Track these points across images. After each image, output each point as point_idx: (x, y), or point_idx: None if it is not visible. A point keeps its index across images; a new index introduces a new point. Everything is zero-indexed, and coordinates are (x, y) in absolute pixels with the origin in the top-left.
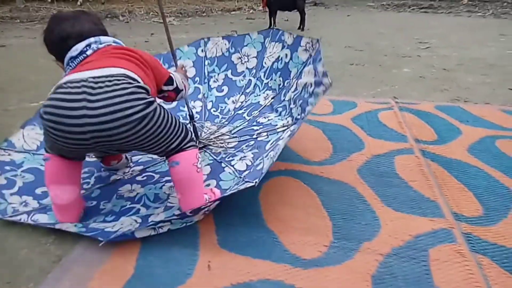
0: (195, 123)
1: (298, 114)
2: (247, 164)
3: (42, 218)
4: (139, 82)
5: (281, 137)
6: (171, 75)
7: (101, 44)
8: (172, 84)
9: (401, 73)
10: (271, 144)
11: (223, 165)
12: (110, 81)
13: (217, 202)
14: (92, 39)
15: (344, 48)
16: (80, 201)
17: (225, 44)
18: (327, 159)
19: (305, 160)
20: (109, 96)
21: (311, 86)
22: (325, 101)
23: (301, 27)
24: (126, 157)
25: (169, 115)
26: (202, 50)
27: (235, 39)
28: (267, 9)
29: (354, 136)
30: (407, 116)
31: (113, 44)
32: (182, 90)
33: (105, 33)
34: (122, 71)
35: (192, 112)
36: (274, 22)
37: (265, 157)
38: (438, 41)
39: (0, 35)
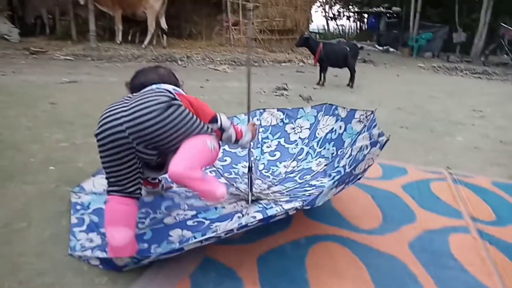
0: (252, 175)
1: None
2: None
3: (101, 254)
4: (172, 94)
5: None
6: (216, 115)
7: (158, 88)
8: (216, 123)
9: (454, 141)
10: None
11: (272, 205)
12: (146, 91)
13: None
14: (154, 86)
15: (393, 109)
16: (134, 245)
17: (280, 115)
18: (376, 228)
19: (354, 226)
20: (142, 96)
21: (366, 148)
22: (375, 164)
23: (351, 84)
24: (162, 187)
25: (191, 114)
26: (257, 119)
27: (289, 111)
28: (318, 65)
29: (405, 205)
30: (462, 190)
31: (169, 90)
32: (227, 130)
33: (171, 82)
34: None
35: (251, 164)
36: (324, 78)
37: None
38: (494, 110)
39: (73, 71)
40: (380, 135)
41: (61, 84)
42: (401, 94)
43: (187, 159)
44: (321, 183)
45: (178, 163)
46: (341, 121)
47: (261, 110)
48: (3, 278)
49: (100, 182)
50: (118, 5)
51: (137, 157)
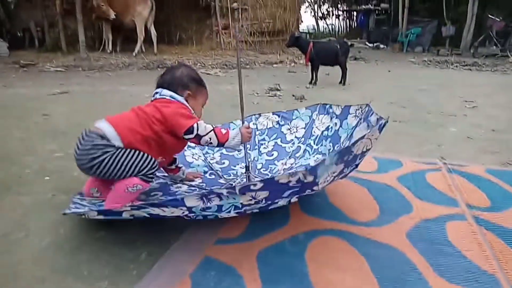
0: (250, 174)
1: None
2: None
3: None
4: (108, 140)
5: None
6: (192, 127)
7: (160, 95)
8: (192, 133)
9: (447, 132)
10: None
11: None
12: (88, 136)
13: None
14: (158, 90)
15: (386, 104)
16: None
17: (275, 118)
18: (374, 220)
19: (351, 220)
20: (84, 147)
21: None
22: (370, 158)
23: (343, 81)
24: (183, 172)
25: (120, 160)
26: (253, 123)
27: (284, 113)
28: (310, 64)
29: (401, 197)
30: (457, 179)
31: (167, 98)
32: (204, 136)
33: (176, 86)
34: (105, 130)
35: (248, 163)
36: (316, 77)
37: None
38: (485, 100)
39: (65, 82)
40: (378, 120)
41: (52, 96)
42: (393, 89)
43: (111, 201)
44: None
45: (107, 203)
46: (336, 118)
47: (257, 115)
48: (4, 286)
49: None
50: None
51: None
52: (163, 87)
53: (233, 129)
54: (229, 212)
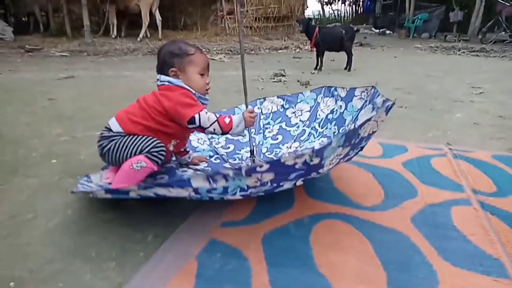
0: (255, 158)
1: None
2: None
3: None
4: (111, 131)
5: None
6: (193, 117)
7: (160, 82)
8: (194, 123)
9: (454, 118)
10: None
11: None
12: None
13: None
14: (158, 76)
15: (392, 90)
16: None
17: (280, 101)
18: (378, 205)
19: (356, 204)
20: (98, 140)
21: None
22: (375, 143)
23: (348, 67)
24: (189, 156)
25: (123, 144)
26: (258, 108)
27: (289, 97)
28: (315, 50)
29: (406, 182)
30: (462, 165)
31: (166, 84)
32: (208, 127)
33: (165, 64)
34: (111, 125)
35: (253, 148)
36: (322, 62)
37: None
38: (492, 86)
39: (70, 67)
40: (385, 101)
41: (58, 80)
42: (399, 75)
43: (116, 182)
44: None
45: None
46: (341, 101)
47: (261, 99)
48: (13, 267)
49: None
50: None
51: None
52: (160, 72)
53: (237, 115)
54: (235, 194)
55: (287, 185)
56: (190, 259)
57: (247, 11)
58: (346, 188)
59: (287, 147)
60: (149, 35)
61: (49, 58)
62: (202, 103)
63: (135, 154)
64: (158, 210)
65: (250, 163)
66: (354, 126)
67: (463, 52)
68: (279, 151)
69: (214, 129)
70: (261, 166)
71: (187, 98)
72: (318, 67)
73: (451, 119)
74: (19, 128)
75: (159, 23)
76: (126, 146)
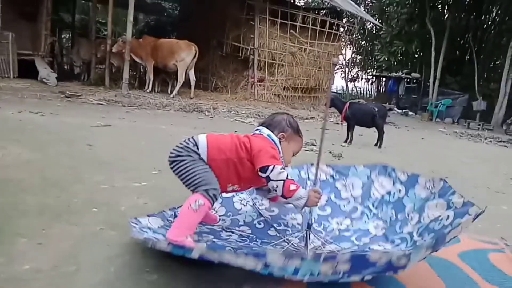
0: (310, 232)
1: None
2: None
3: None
4: (198, 149)
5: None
6: (267, 166)
7: (258, 132)
8: (265, 173)
9: (500, 210)
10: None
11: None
12: (188, 140)
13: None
14: (259, 127)
15: (428, 172)
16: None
17: (330, 171)
18: None
19: None
20: (180, 145)
21: (447, 218)
22: None
23: (379, 144)
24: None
25: (193, 167)
26: (305, 173)
27: (339, 168)
28: (346, 123)
29: (467, 278)
30: None
31: (264, 135)
32: (273, 181)
33: (274, 128)
34: (200, 141)
35: (311, 221)
36: (352, 136)
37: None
38: None
39: (106, 115)
40: (465, 204)
41: (96, 127)
42: (431, 157)
43: (175, 226)
44: (385, 248)
45: (170, 231)
46: (400, 184)
47: (309, 165)
48: None
49: (155, 222)
50: (151, 56)
51: None
52: (263, 126)
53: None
54: (304, 276)
55: (354, 278)
56: None
57: (276, 80)
58: (405, 279)
59: (337, 222)
60: (179, 93)
61: (86, 105)
62: None
63: (193, 185)
64: (206, 277)
65: (304, 237)
66: (443, 232)
67: (490, 141)
68: (329, 226)
69: (277, 186)
70: (342, 255)
71: (275, 151)
72: (348, 140)
73: (498, 211)
74: (61, 171)
75: (192, 83)
76: (194, 171)
